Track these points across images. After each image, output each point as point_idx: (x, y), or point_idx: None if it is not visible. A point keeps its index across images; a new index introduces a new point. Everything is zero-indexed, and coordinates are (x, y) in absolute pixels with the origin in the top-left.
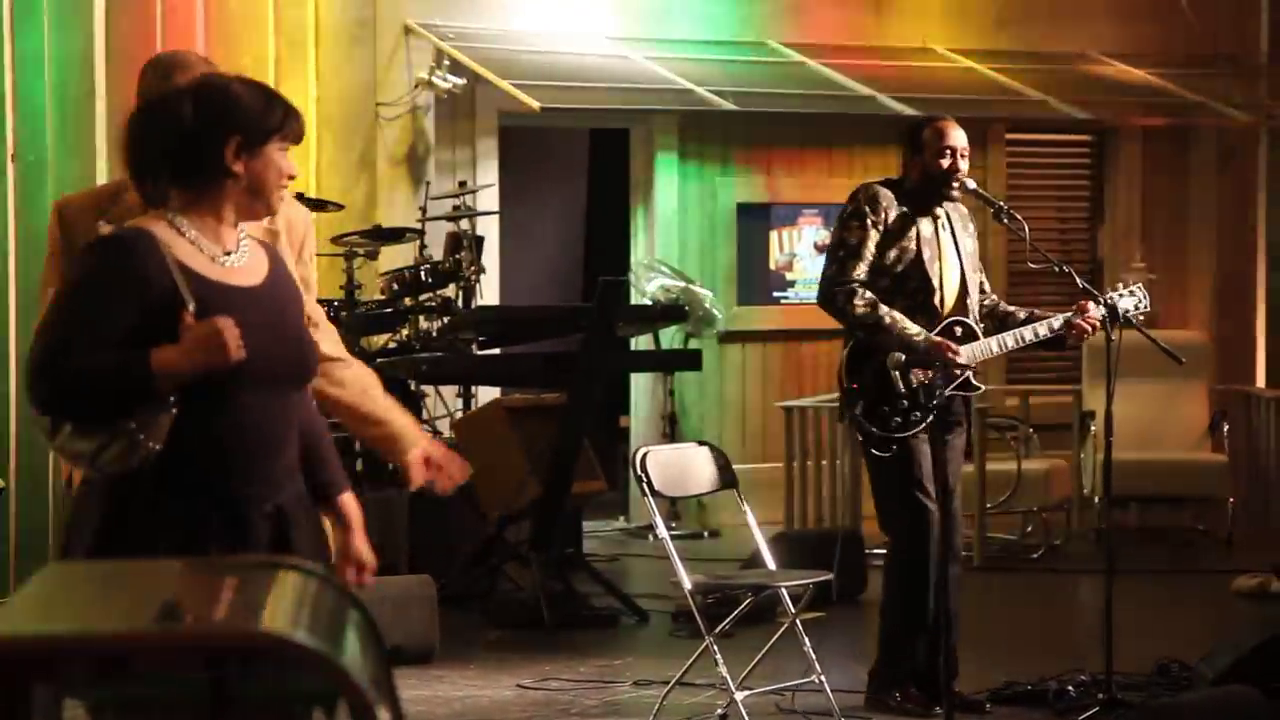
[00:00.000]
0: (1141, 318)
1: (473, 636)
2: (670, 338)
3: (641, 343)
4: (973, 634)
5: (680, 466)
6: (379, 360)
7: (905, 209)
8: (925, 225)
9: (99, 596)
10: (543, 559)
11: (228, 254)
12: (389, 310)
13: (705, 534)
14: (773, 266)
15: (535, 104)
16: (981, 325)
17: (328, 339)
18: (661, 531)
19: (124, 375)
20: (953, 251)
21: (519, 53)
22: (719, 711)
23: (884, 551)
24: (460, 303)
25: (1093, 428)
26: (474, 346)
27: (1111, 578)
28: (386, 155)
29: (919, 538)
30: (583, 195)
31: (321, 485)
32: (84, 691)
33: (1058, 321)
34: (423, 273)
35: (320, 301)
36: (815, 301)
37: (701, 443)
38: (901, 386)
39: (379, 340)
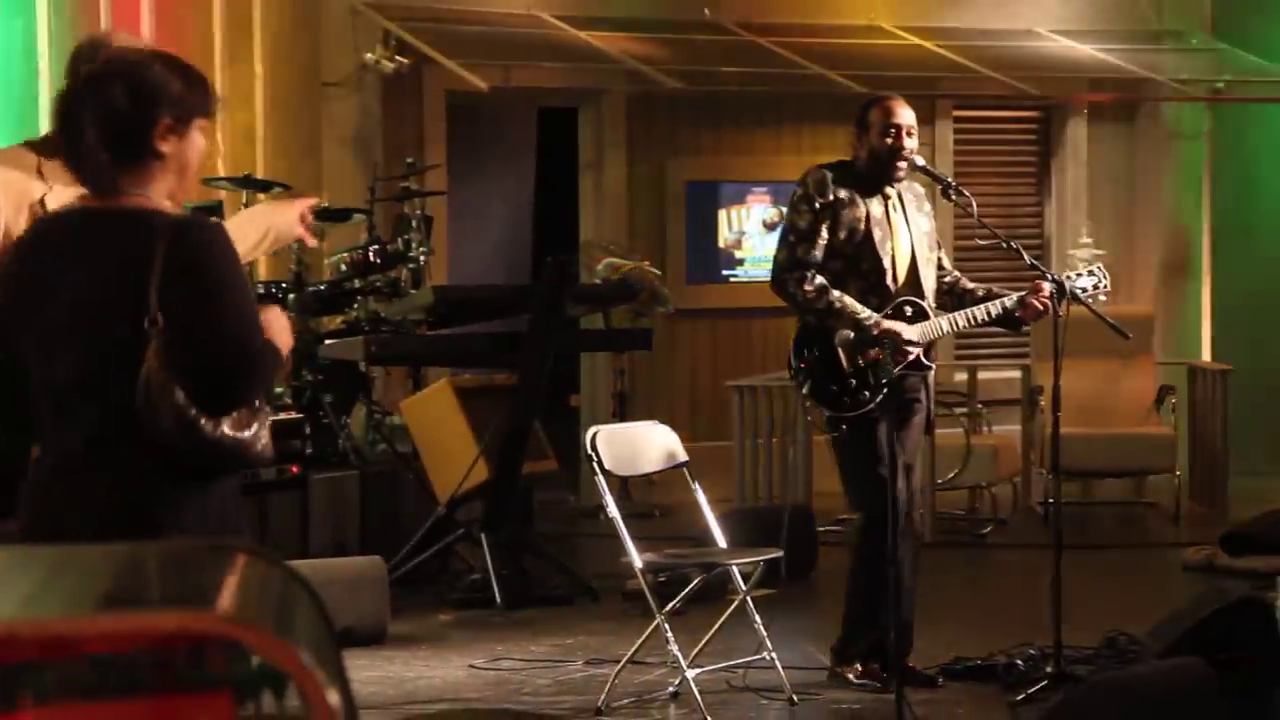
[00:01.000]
0: (1104, 297)
1: (424, 617)
2: (619, 317)
3: (591, 322)
4: (923, 609)
5: (631, 445)
6: (328, 342)
7: (855, 190)
8: (875, 206)
9: (43, 582)
10: (494, 539)
11: None
12: (338, 292)
13: (656, 513)
14: (722, 245)
15: (482, 84)
16: (937, 304)
17: None
18: (612, 510)
19: (276, 356)
20: (904, 231)
21: (466, 32)
22: (671, 689)
23: (835, 528)
24: (409, 284)
25: (1040, 403)
26: (423, 327)
27: (1060, 552)
28: (334, 135)
29: (881, 513)
30: (531, 175)
31: None
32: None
33: (1011, 300)
34: (371, 253)
35: (268, 283)
36: (766, 281)
37: (651, 421)
38: (848, 365)
39: (329, 322)
